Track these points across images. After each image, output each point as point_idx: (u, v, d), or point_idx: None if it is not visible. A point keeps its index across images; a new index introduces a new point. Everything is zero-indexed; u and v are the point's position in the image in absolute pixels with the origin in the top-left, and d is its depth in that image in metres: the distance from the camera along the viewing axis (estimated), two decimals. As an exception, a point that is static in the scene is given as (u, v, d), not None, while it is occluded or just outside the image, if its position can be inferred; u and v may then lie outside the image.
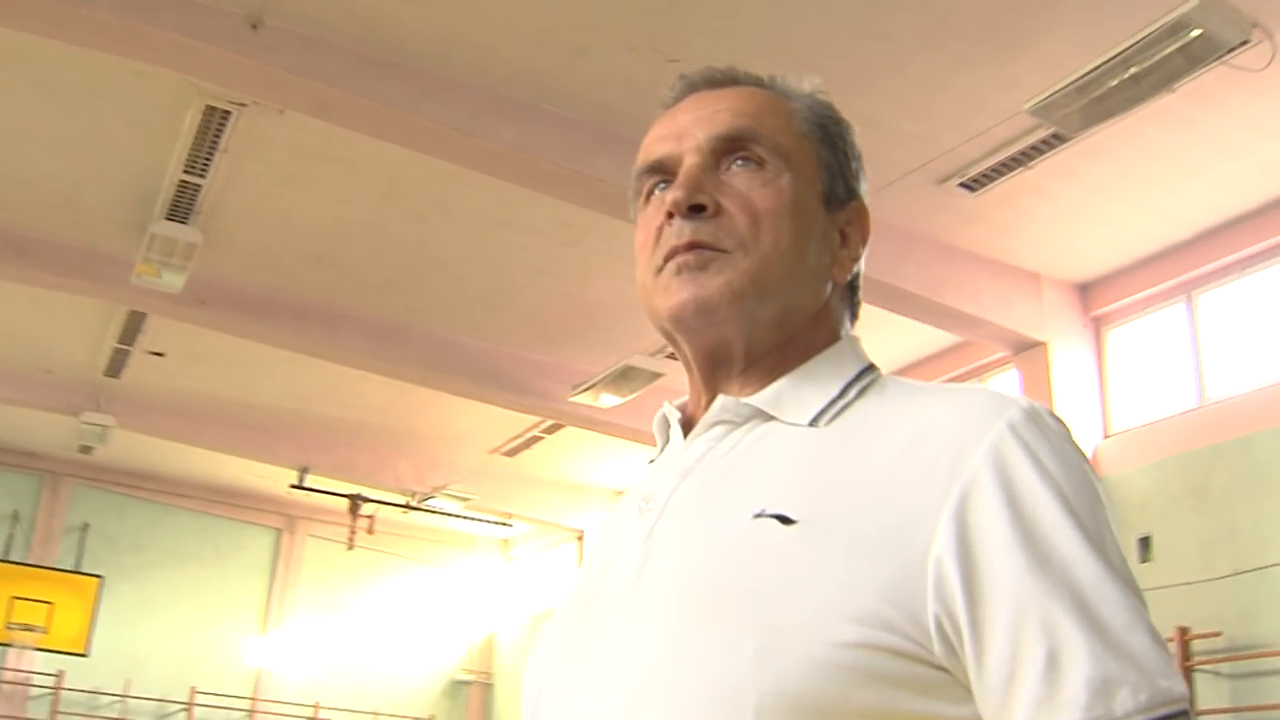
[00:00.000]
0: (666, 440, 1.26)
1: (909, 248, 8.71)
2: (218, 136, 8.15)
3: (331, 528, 17.19)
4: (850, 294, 1.30)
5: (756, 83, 1.30)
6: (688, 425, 1.24)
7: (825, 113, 1.29)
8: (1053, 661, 0.90)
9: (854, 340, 1.26)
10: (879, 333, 10.34)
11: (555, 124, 7.71)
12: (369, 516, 16.44)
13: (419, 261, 10.02)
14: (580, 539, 16.58)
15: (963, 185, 8.11)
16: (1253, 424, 8.47)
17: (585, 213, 8.56)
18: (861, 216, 1.29)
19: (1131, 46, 6.25)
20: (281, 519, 17.98)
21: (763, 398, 1.16)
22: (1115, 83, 6.43)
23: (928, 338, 10.27)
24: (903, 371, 11.30)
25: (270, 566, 18.06)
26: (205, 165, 8.49)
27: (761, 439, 1.14)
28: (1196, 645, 8.12)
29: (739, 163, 1.21)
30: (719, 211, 1.18)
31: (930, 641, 0.95)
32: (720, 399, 1.18)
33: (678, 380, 9.50)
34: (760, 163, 1.21)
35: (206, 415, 14.03)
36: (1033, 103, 6.80)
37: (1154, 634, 0.93)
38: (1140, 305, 9.62)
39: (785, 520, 1.01)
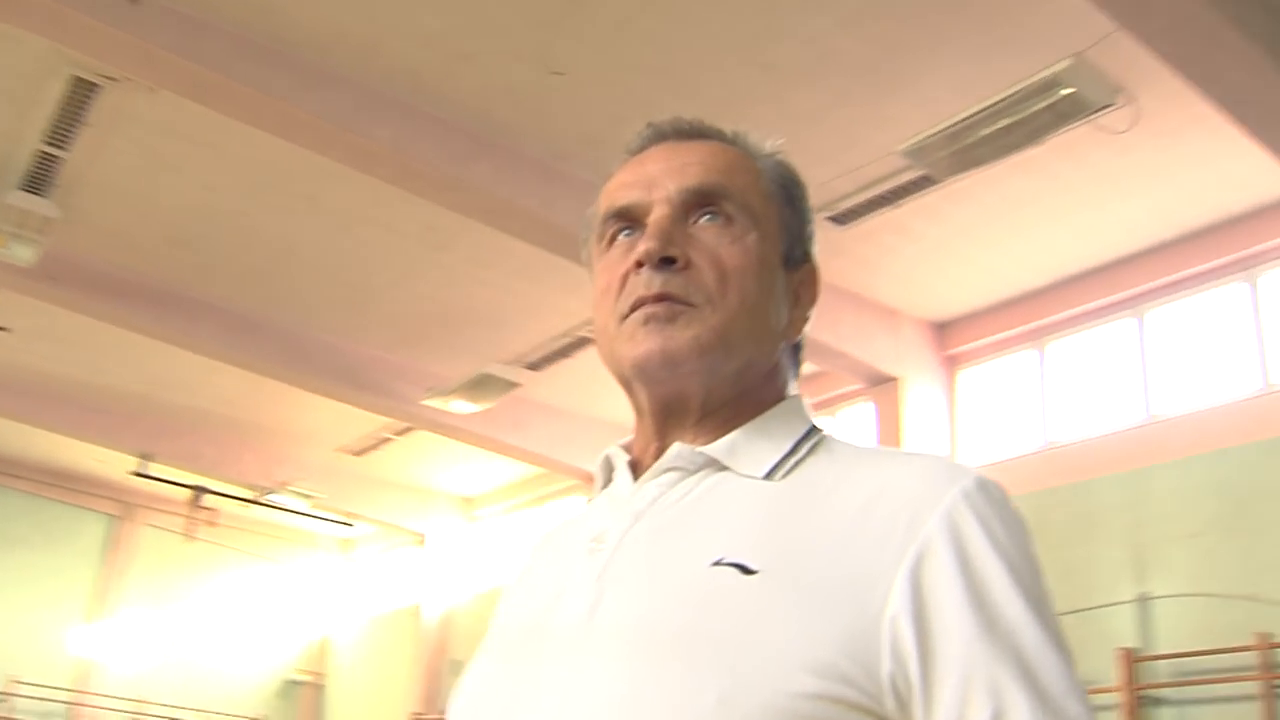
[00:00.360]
0: (607, 481, 1.27)
1: (775, 276, 8.82)
2: (83, 109, 7.92)
3: (170, 517, 16.79)
4: (794, 353, 1.32)
5: (722, 138, 1.32)
6: (634, 468, 1.25)
7: (788, 174, 1.32)
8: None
9: (799, 398, 1.28)
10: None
11: (434, 127, 7.66)
12: (210, 509, 16.10)
13: (282, 254, 9.86)
14: (422, 543, 16.44)
15: (831, 219, 8.25)
16: (1092, 470, 8.79)
17: (455, 218, 8.51)
18: (813, 278, 1.33)
19: (1005, 99, 6.46)
20: (118, 506, 17.44)
21: (717, 448, 1.18)
22: (987, 132, 6.63)
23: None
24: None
25: (102, 554, 17.52)
26: (67, 137, 8.24)
27: (714, 488, 1.15)
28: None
29: (707, 217, 1.23)
30: (688, 265, 1.19)
31: (883, 696, 0.98)
32: (676, 446, 1.19)
33: (535, 391, 9.54)
34: (729, 219, 1.23)
35: (48, 394, 13.57)
36: (906, 144, 6.97)
37: (1086, 699, 0.98)
38: (994, 348, 9.91)
39: (745, 570, 1.03)
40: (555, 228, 7.88)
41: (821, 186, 7.86)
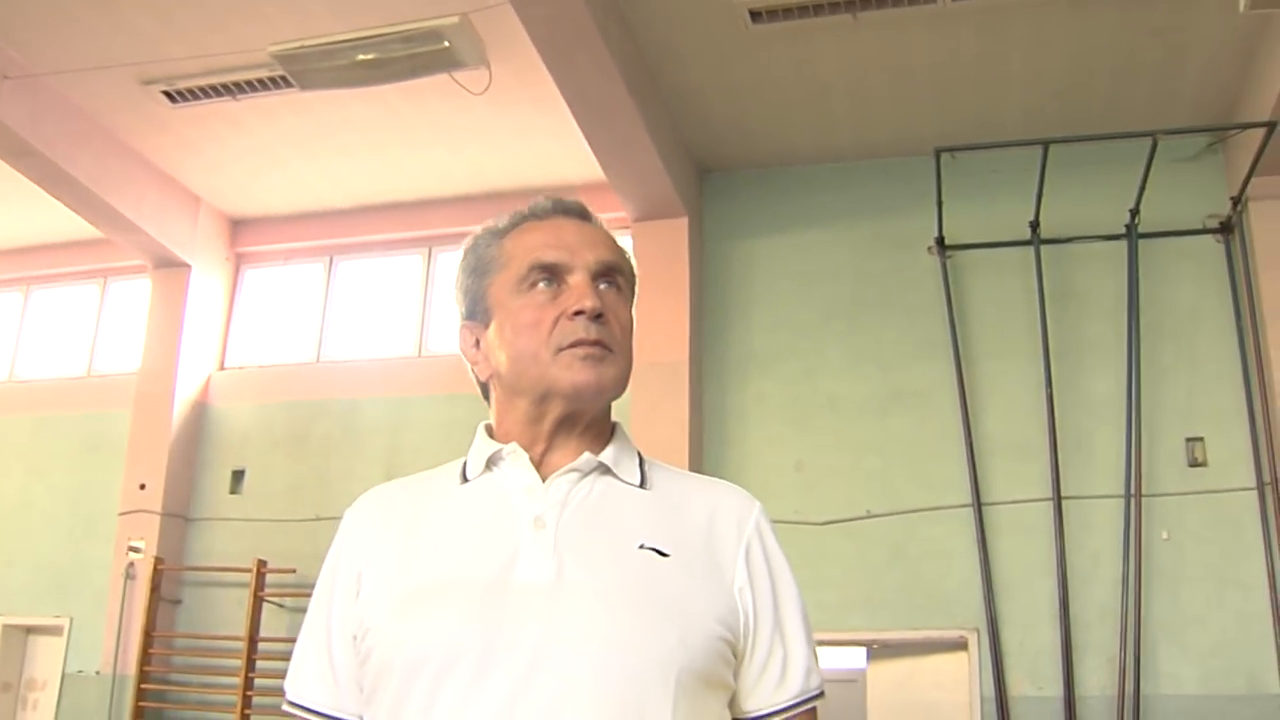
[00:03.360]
0: (485, 467, 1.63)
1: (90, 137, 8.48)
2: None
3: None
4: None
5: (603, 226, 1.75)
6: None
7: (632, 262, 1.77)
8: (787, 659, 1.57)
9: (620, 424, 1.72)
10: (19, 205, 9.87)
11: None
12: None
13: None
14: None
15: (166, 94, 8.06)
16: (359, 390, 9.33)
17: None
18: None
19: (389, 35, 6.77)
20: None
21: (607, 457, 1.63)
22: (363, 58, 6.89)
23: (70, 224, 9.90)
24: (27, 253, 10.85)
25: None
26: None
27: (609, 489, 1.60)
28: (270, 578, 8.78)
29: (605, 284, 1.64)
30: (607, 321, 1.60)
31: (739, 639, 1.53)
32: (586, 454, 1.61)
33: None
34: (619, 289, 1.67)
35: None
36: (278, 48, 7.03)
37: None
38: (284, 255, 10.16)
39: (660, 553, 1.52)
40: None
41: (172, 61, 7.70)
